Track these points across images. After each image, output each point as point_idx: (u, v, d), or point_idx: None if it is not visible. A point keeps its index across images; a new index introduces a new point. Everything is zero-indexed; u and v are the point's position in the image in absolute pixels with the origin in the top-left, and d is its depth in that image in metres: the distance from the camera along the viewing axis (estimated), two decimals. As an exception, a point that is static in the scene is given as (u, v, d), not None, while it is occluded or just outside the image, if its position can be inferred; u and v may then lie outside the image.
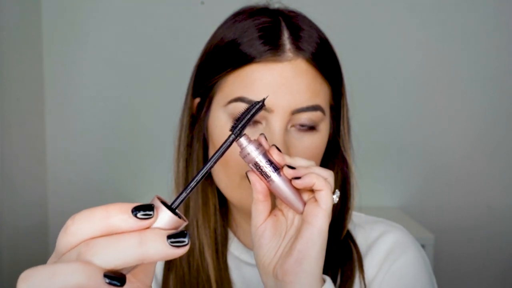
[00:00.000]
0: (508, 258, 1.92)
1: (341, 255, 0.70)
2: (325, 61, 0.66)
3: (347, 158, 0.71)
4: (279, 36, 0.64)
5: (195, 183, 0.39)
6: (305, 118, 0.64)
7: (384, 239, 0.71)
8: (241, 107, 0.62)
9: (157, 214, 0.35)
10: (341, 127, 0.71)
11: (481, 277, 1.93)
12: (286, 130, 0.63)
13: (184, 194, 0.38)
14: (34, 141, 1.83)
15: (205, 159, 0.70)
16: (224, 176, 0.66)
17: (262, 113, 0.63)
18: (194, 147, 0.70)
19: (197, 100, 0.70)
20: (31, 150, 1.82)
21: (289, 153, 0.63)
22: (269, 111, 0.62)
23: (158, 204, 0.35)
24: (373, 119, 1.89)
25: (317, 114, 0.64)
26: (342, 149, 0.71)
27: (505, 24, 1.87)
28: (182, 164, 0.71)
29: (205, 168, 0.40)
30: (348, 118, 0.72)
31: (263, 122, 0.64)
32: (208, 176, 0.70)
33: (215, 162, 0.41)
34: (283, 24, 0.65)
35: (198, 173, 0.40)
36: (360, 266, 0.69)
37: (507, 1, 1.86)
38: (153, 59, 1.85)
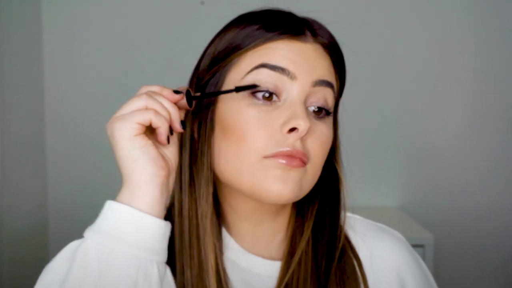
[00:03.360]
0: (508, 258, 1.91)
1: (343, 268, 0.70)
2: (338, 55, 0.68)
3: (338, 159, 0.72)
4: (299, 23, 0.65)
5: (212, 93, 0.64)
6: (322, 95, 0.64)
7: (389, 258, 0.72)
8: (263, 73, 0.62)
9: (183, 96, 0.62)
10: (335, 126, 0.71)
11: (481, 277, 1.93)
12: (305, 107, 0.63)
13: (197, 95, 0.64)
14: (34, 141, 1.83)
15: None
16: (235, 157, 0.62)
17: (283, 83, 0.62)
18: (202, 147, 0.67)
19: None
20: (31, 150, 1.82)
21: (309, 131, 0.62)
22: (292, 77, 0.62)
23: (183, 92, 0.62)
24: (374, 119, 1.89)
25: (331, 94, 0.65)
26: (336, 149, 0.72)
27: (506, 24, 1.87)
28: (187, 162, 0.67)
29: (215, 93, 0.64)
30: (338, 122, 0.72)
31: (282, 98, 0.63)
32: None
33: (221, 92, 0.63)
34: (300, 19, 0.67)
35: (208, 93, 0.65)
36: (364, 283, 0.70)
37: (507, 2, 1.86)
38: (153, 59, 1.85)
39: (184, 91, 0.62)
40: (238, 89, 0.62)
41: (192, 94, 0.64)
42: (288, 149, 0.61)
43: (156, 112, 0.58)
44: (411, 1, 1.88)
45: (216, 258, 0.66)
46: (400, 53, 1.89)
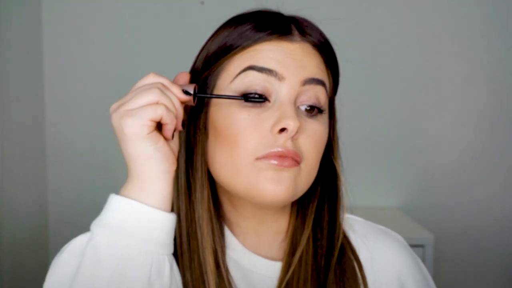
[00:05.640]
0: (508, 258, 1.92)
1: (343, 270, 0.70)
2: (328, 52, 0.68)
3: (336, 156, 0.72)
4: (287, 22, 0.65)
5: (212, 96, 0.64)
6: (312, 93, 0.64)
7: (389, 260, 0.72)
8: (251, 75, 0.62)
9: (191, 98, 0.61)
10: (332, 122, 0.71)
11: (481, 277, 1.93)
12: (296, 106, 0.63)
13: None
14: (34, 141, 1.83)
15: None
16: (228, 161, 0.63)
17: (271, 84, 0.62)
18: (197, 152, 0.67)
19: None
20: (31, 150, 1.82)
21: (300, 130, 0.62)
22: (280, 78, 0.62)
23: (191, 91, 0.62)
24: (374, 119, 1.89)
25: (323, 92, 0.65)
26: (334, 146, 0.72)
27: (505, 24, 1.87)
28: (183, 166, 0.68)
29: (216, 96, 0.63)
30: (336, 118, 0.72)
31: (271, 99, 0.63)
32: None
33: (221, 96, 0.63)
34: (288, 18, 0.67)
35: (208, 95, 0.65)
36: (364, 285, 0.70)
37: (508, 2, 1.86)
38: (153, 59, 1.85)
39: (192, 89, 0.62)
40: (247, 98, 0.62)
41: (196, 92, 0.64)
42: (279, 149, 0.61)
43: (167, 108, 0.58)
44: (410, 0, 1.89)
45: (215, 260, 0.66)
46: (400, 53, 1.89)
